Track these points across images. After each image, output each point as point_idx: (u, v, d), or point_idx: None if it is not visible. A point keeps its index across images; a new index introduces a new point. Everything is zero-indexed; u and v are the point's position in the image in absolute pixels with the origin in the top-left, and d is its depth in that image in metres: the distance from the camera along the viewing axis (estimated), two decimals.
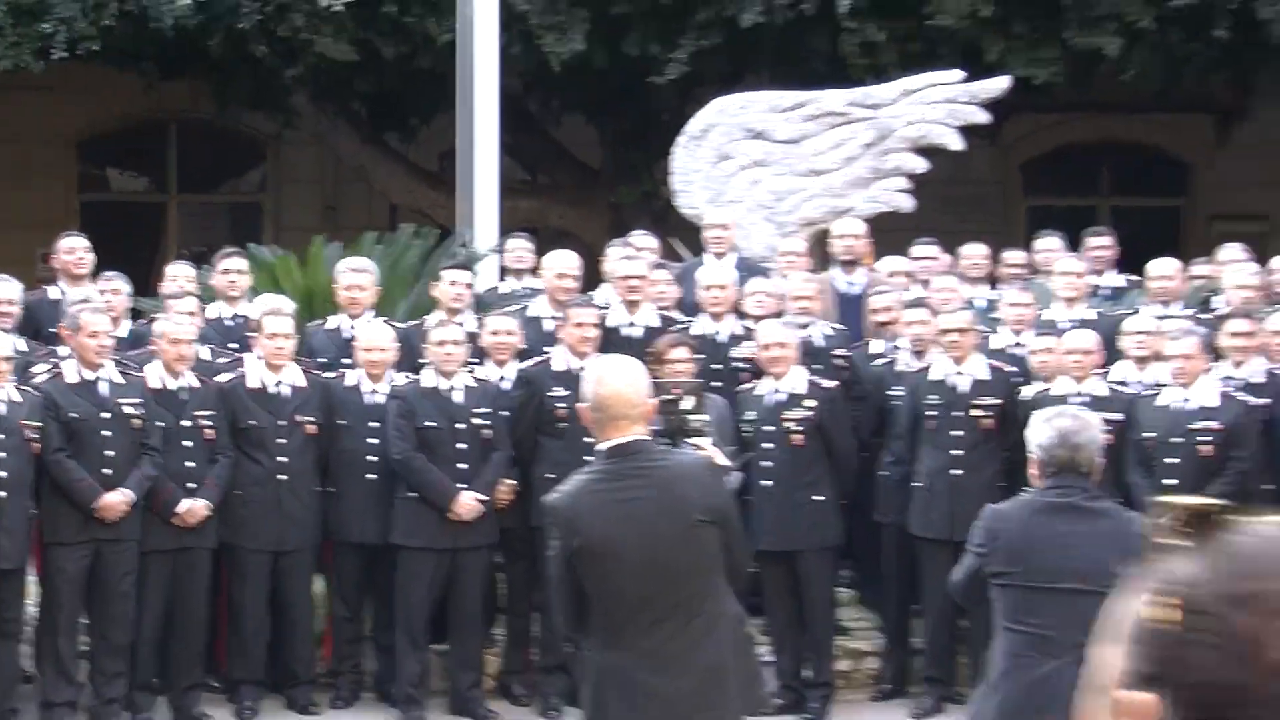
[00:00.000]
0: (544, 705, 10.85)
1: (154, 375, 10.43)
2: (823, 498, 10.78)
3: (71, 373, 10.18)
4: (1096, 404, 9.95)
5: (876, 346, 11.73)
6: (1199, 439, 10.27)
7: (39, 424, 9.97)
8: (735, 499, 7.48)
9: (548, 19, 16.04)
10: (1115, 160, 22.08)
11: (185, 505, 10.31)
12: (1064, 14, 15.95)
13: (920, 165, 13.66)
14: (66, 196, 21.41)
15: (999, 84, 13.82)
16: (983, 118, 13.69)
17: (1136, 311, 11.70)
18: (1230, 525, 1.83)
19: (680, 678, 6.04)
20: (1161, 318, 11.52)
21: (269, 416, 10.65)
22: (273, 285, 12.13)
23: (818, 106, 13.72)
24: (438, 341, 10.71)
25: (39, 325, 11.67)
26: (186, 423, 10.43)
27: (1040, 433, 6.58)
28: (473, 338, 11.10)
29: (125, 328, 11.61)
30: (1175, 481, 10.08)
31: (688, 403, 6.91)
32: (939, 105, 13.61)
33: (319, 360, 11.26)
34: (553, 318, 11.40)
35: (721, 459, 7.25)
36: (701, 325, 11.51)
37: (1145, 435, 10.39)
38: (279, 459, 10.66)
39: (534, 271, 12.48)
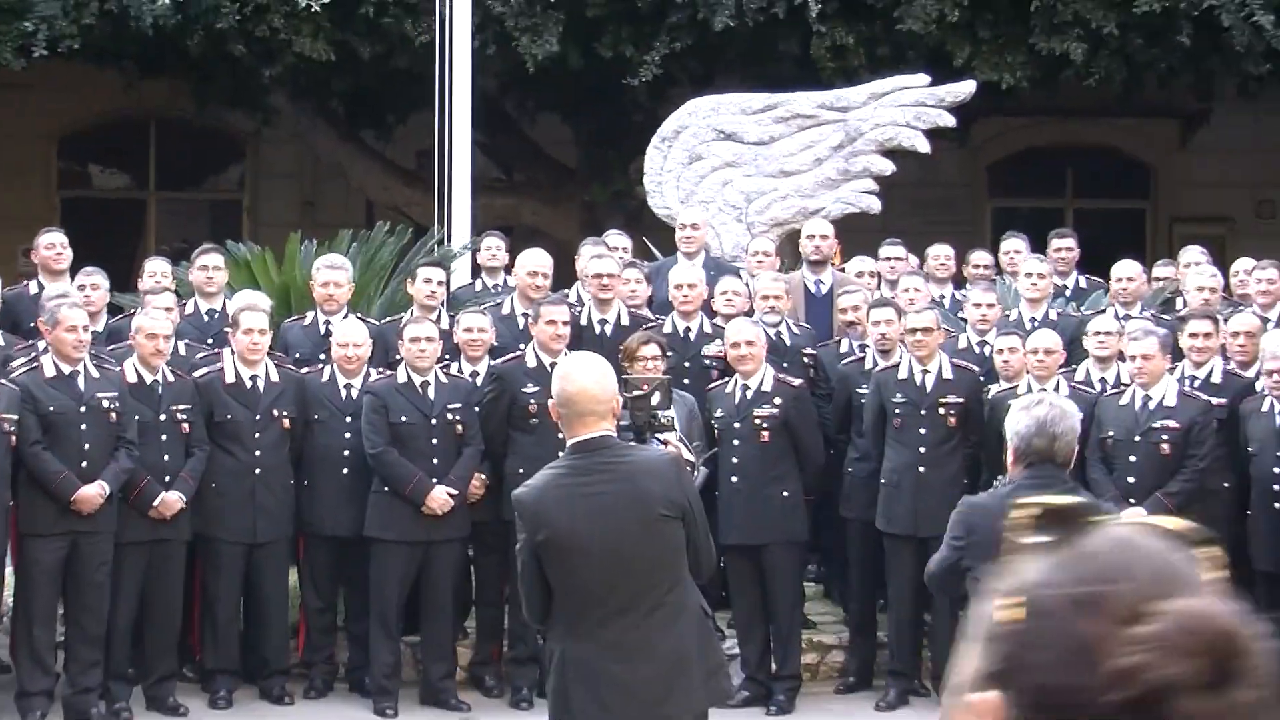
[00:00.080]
0: (514, 696, 10.85)
1: (131, 369, 10.41)
2: (789, 493, 10.80)
3: (49, 367, 10.15)
4: None
5: (844, 345, 11.75)
6: (1158, 438, 10.30)
7: (16, 417, 9.94)
8: (700, 494, 7.47)
9: (523, 21, 16.04)
10: (1080, 163, 22.13)
11: (161, 498, 10.29)
12: (1030, 19, 16.00)
13: (888, 167, 13.70)
14: (47, 193, 21.36)
15: (965, 88, 13.86)
16: (949, 121, 13.73)
17: (1102, 312, 11.75)
18: (1089, 526, 1.81)
19: (643, 668, 6.06)
20: (1124, 318, 11.57)
21: (244, 411, 10.64)
22: (250, 281, 12.13)
23: (787, 109, 13.74)
24: (411, 338, 10.71)
25: (18, 319, 11.65)
26: (163, 416, 10.42)
27: (1018, 421, 6.48)
28: (446, 334, 11.10)
29: (103, 323, 11.58)
30: (1135, 479, 10.11)
31: (656, 398, 6.92)
32: (907, 108, 13.64)
33: (295, 355, 11.26)
34: (525, 315, 11.40)
35: (687, 454, 7.27)
36: (672, 323, 11.52)
37: (1106, 434, 10.42)
38: (254, 452, 10.66)
39: (508, 269, 12.49)
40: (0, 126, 19.72)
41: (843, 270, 12.90)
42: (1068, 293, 12.89)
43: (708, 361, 11.40)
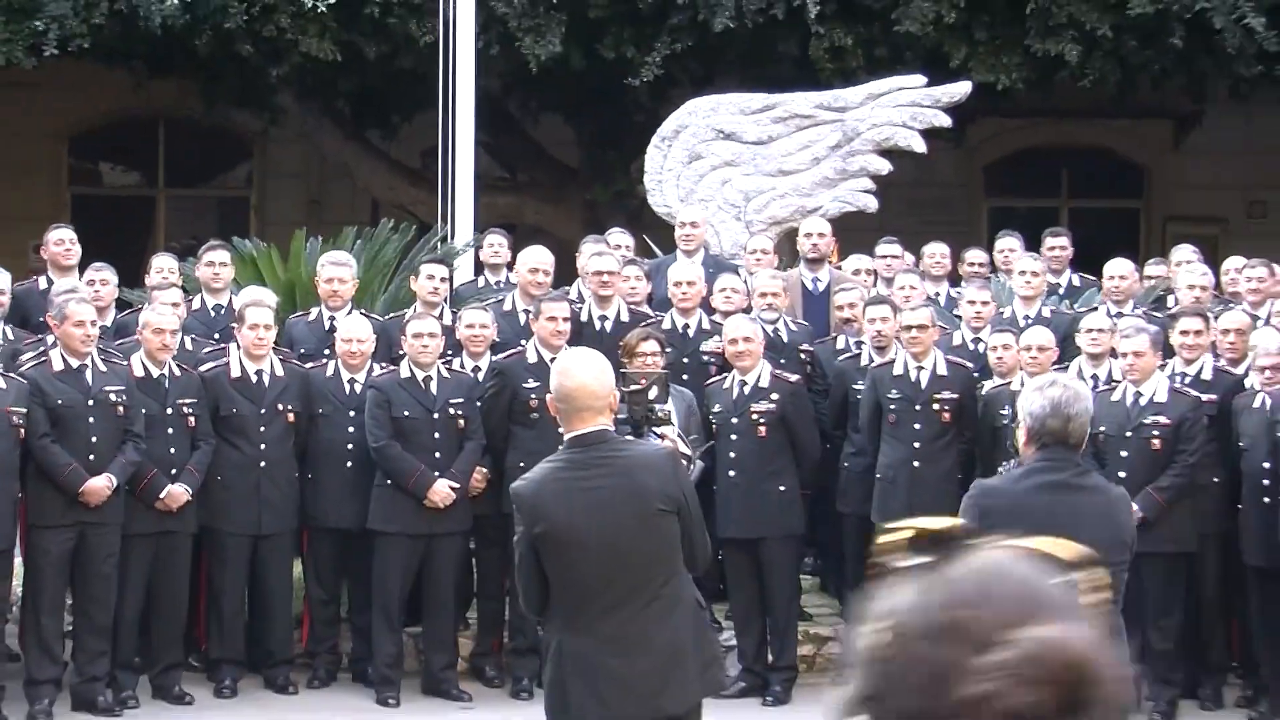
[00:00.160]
0: (515, 686, 10.85)
1: (138, 364, 10.41)
2: (786, 487, 10.81)
3: (57, 361, 10.16)
4: None
5: (840, 342, 11.75)
6: (1150, 434, 10.30)
7: (25, 410, 9.95)
8: (696, 488, 7.46)
9: (526, 22, 16.04)
10: (1075, 163, 22.09)
11: (167, 490, 10.30)
12: (1025, 21, 15.99)
13: (885, 167, 13.68)
14: (57, 190, 21.35)
15: (961, 88, 13.85)
16: (945, 121, 13.71)
17: (1095, 309, 11.75)
18: (963, 549, 1.78)
19: (640, 660, 6.06)
20: (1116, 316, 11.57)
21: (250, 405, 10.65)
22: (255, 278, 12.11)
23: (786, 109, 13.73)
24: (414, 334, 10.71)
25: (28, 314, 11.65)
26: (169, 410, 10.43)
27: (1032, 401, 6.32)
28: (449, 330, 11.10)
29: (112, 318, 11.59)
30: (1126, 475, 10.10)
31: (653, 393, 6.92)
32: (903, 109, 13.62)
33: (300, 351, 11.26)
34: (526, 311, 11.40)
35: (684, 448, 7.27)
36: (671, 320, 11.52)
37: (1098, 430, 10.40)
38: (259, 446, 10.67)
39: (510, 266, 12.49)
40: (11, 124, 19.72)
41: (840, 268, 12.90)
42: (1061, 290, 12.89)
43: (706, 357, 11.40)
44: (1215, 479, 10.59)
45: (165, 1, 15.04)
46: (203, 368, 10.72)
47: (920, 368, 10.87)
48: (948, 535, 1.84)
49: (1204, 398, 10.54)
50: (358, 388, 10.82)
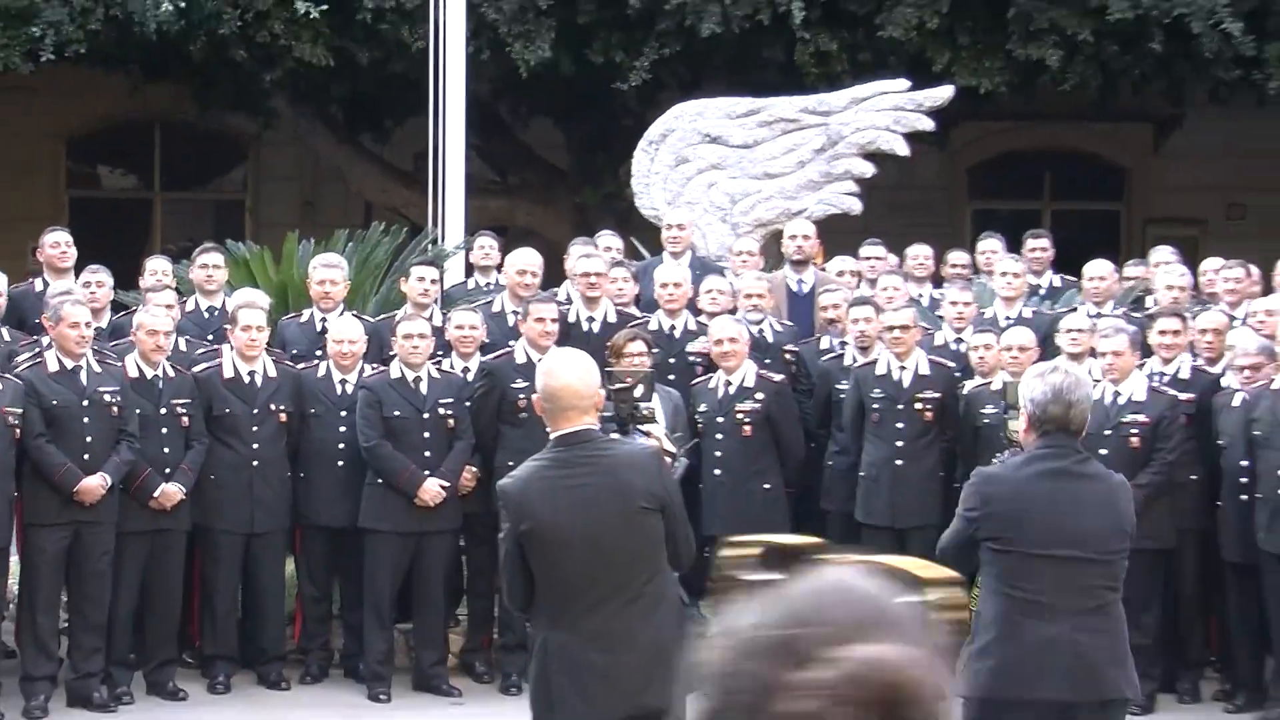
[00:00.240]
0: (504, 682, 10.84)
1: (132, 364, 10.40)
2: (770, 486, 10.82)
3: (53, 362, 10.14)
4: None
5: (825, 342, 11.74)
6: (1128, 432, 10.30)
7: (20, 410, 9.93)
8: (681, 486, 7.45)
9: (516, 27, 16.04)
10: (1057, 166, 22.10)
11: (161, 489, 10.28)
12: (1007, 27, 16.00)
13: (868, 170, 13.68)
14: (56, 193, 21.34)
15: (943, 93, 13.86)
16: (928, 125, 13.71)
17: (1075, 310, 11.75)
18: (810, 564, 1.75)
19: (623, 657, 6.05)
20: (1095, 316, 11.57)
21: (243, 405, 10.63)
22: (248, 280, 12.11)
23: (771, 113, 13.72)
24: (405, 335, 10.70)
25: (24, 316, 11.63)
26: (163, 410, 10.41)
27: (1033, 388, 6.26)
28: (439, 331, 11.10)
29: (107, 319, 11.58)
30: None
31: (639, 391, 6.92)
32: (886, 113, 13.63)
33: (292, 351, 11.25)
34: (514, 312, 11.39)
35: (669, 445, 7.26)
36: (658, 321, 11.52)
37: None
38: (252, 446, 10.65)
39: (499, 268, 12.48)
40: (10, 128, 19.70)
41: (824, 270, 12.90)
42: (1042, 291, 12.89)
43: (692, 358, 11.40)
44: (1193, 476, 10.59)
45: (160, 7, 15.04)
46: (196, 368, 10.70)
47: (903, 368, 10.86)
48: (797, 551, 1.82)
49: (1182, 396, 10.55)
50: (349, 388, 10.81)
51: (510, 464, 9.55)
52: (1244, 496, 10.30)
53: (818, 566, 1.75)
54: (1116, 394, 10.39)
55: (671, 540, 6.21)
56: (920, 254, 13.26)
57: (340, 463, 10.80)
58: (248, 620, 10.94)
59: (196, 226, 21.46)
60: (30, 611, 10.18)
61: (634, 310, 11.75)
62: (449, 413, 10.69)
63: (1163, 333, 10.83)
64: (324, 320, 11.36)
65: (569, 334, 11.02)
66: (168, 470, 10.37)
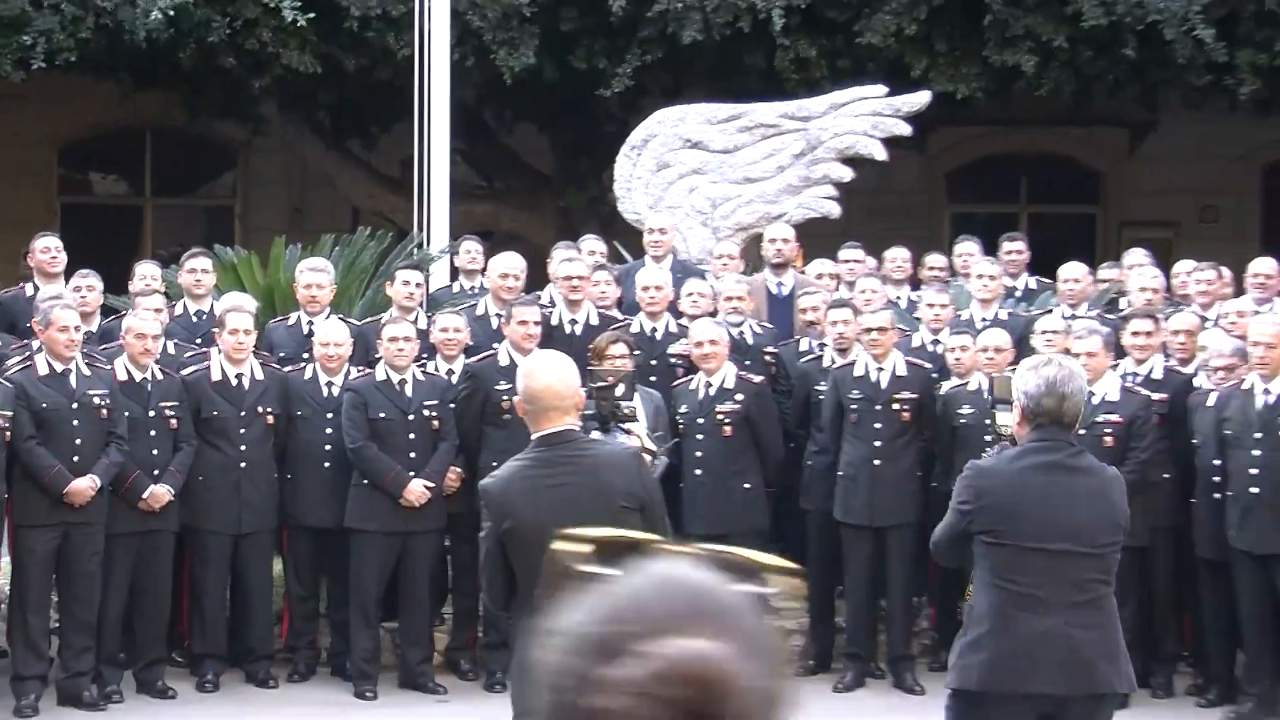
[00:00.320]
0: (489, 680, 10.81)
1: (121, 368, 10.38)
2: (750, 485, 10.81)
3: (43, 365, 10.12)
4: None
5: (804, 344, 11.74)
6: (1102, 431, 10.30)
7: (10, 413, 9.92)
8: (661, 485, 7.44)
9: (501, 34, 16.05)
10: (1034, 170, 22.13)
11: (150, 490, 10.27)
12: (984, 33, 16.02)
13: (847, 174, 13.69)
14: (48, 199, 21.30)
15: (920, 98, 13.87)
16: (905, 130, 13.73)
17: (1050, 312, 11.76)
18: (645, 556, 1.71)
19: None
20: (1070, 318, 11.58)
21: (230, 407, 10.62)
22: (236, 284, 12.09)
23: (751, 118, 13.74)
24: (390, 338, 10.70)
25: (15, 320, 11.62)
26: (152, 413, 10.39)
27: (1027, 381, 6.19)
28: (423, 334, 11.09)
29: (97, 323, 11.56)
30: None
31: (620, 390, 6.92)
32: (864, 118, 13.64)
33: (279, 355, 11.24)
34: (498, 315, 11.39)
35: (649, 444, 7.26)
36: (639, 323, 11.52)
37: None
38: (240, 447, 10.63)
39: (484, 272, 12.47)
40: (2, 134, 19.66)
41: (803, 272, 12.91)
42: (1018, 293, 12.90)
43: (673, 360, 11.39)
44: (1166, 475, 10.60)
45: (150, 16, 15.00)
46: (184, 371, 10.68)
47: (880, 369, 10.87)
48: (630, 545, 1.78)
49: (1154, 396, 10.57)
50: (335, 390, 10.80)
51: (494, 464, 9.52)
52: (1216, 495, 10.32)
53: (650, 559, 1.71)
54: (1090, 394, 10.39)
55: None
56: (898, 257, 13.28)
57: (326, 464, 10.79)
58: (236, 619, 10.92)
59: (187, 232, 21.45)
60: (21, 611, 10.16)
61: (616, 313, 11.75)
62: (433, 414, 10.68)
63: (1136, 334, 10.85)
64: (311, 324, 11.34)
65: (551, 336, 11.01)
66: (156, 472, 10.35)
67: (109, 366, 10.35)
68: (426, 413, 10.67)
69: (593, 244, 13.04)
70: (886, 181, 17.73)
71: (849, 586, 11.05)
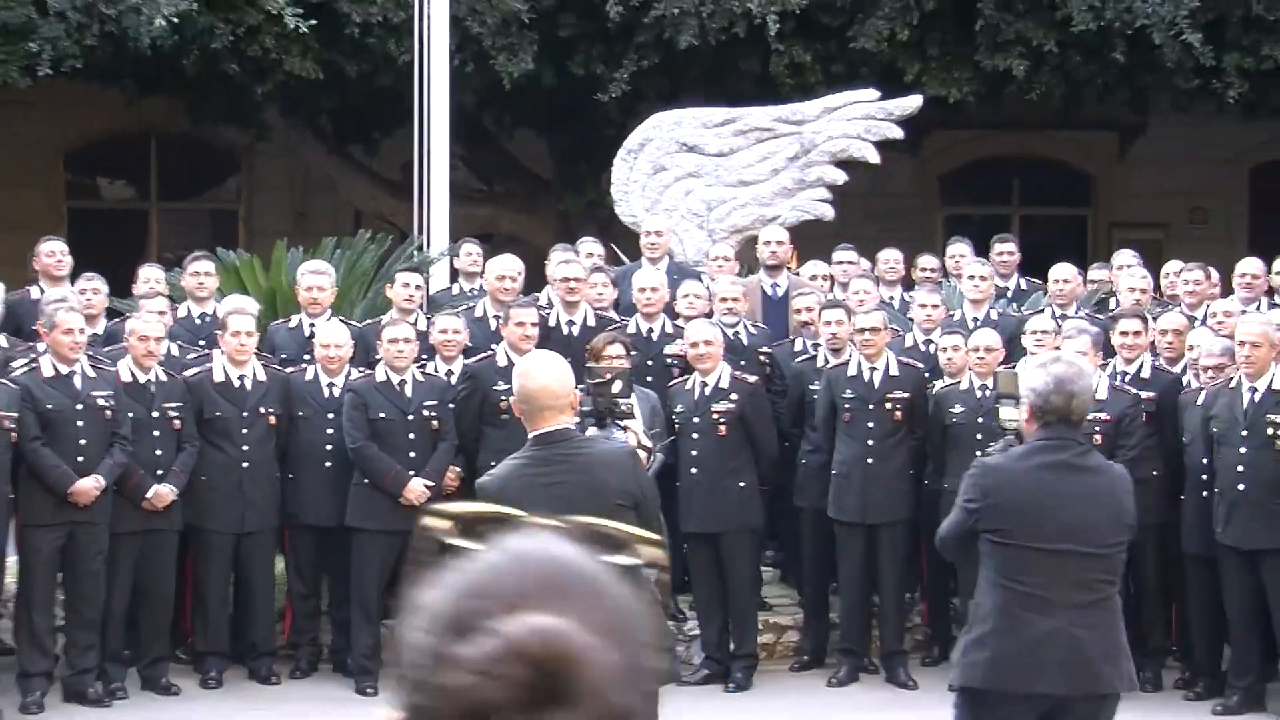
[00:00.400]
0: None
1: (125, 369, 10.38)
2: (745, 483, 10.79)
3: (47, 367, 10.12)
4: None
5: (798, 344, 11.74)
6: (1091, 429, 10.26)
7: (16, 415, 9.91)
8: (657, 482, 7.44)
9: (500, 41, 16.05)
10: (1026, 173, 22.13)
11: (153, 490, 10.26)
12: (975, 38, 16.03)
13: (840, 177, 13.68)
14: (55, 204, 21.27)
15: (911, 102, 13.86)
16: (897, 133, 13.72)
17: (1040, 312, 11.76)
18: (505, 532, 1.68)
19: None
20: (1060, 318, 11.58)
21: (233, 408, 10.61)
22: (238, 287, 12.09)
23: (746, 122, 13.72)
24: (390, 339, 10.69)
25: (20, 323, 11.61)
26: (155, 414, 10.39)
27: (1035, 378, 6.11)
28: (423, 336, 11.08)
29: (102, 325, 11.55)
30: None
31: (617, 386, 6.92)
32: (857, 122, 13.63)
33: (281, 356, 11.23)
34: (496, 317, 11.38)
35: (645, 440, 7.25)
36: (636, 324, 11.51)
37: None
38: (242, 448, 10.62)
39: (483, 274, 12.46)
40: (9, 140, 19.64)
41: (797, 274, 12.90)
42: (1009, 294, 12.90)
43: (669, 360, 11.38)
44: (1154, 472, 10.58)
45: (154, 23, 14.98)
46: (187, 373, 10.67)
47: (873, 368, 10.86)
48: (494, 520, 1.75)
49: (1143, 395, 10.56)
50: (336, 391, 10.79)
51: (492, 463, 9.51)
52: (1204, 492, 10.32)
53: (512, 534, 1.66)
54: None
55: None
56: (891, 258, 13.28)
57: (328, 463, 10.78)
58: (239, 617, 10.92)
59: (192, 236, 21.42)
60: (27, 610, 10.15)
61: (613, 314, 11.74)
62: (433, 414, 10.68)
63: (1124, 333, 10.85)
64: (312, 325, 11.33)
65: (549, 337, 11.00)
66: (160, 472, 10.34)
67: (113, 368, 10.35)
68: (426, 413, 10.66)
69: (590, 246, 13.05)
70: (880, 184, 17.71)
71: (842, 583, 11.04)
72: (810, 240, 14.14)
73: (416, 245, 13.30)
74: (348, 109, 18.37)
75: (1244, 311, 11.27)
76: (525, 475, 6.12)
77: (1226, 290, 12.33)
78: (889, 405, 10.83)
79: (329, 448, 10.78)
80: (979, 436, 10.46)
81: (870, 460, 10.77)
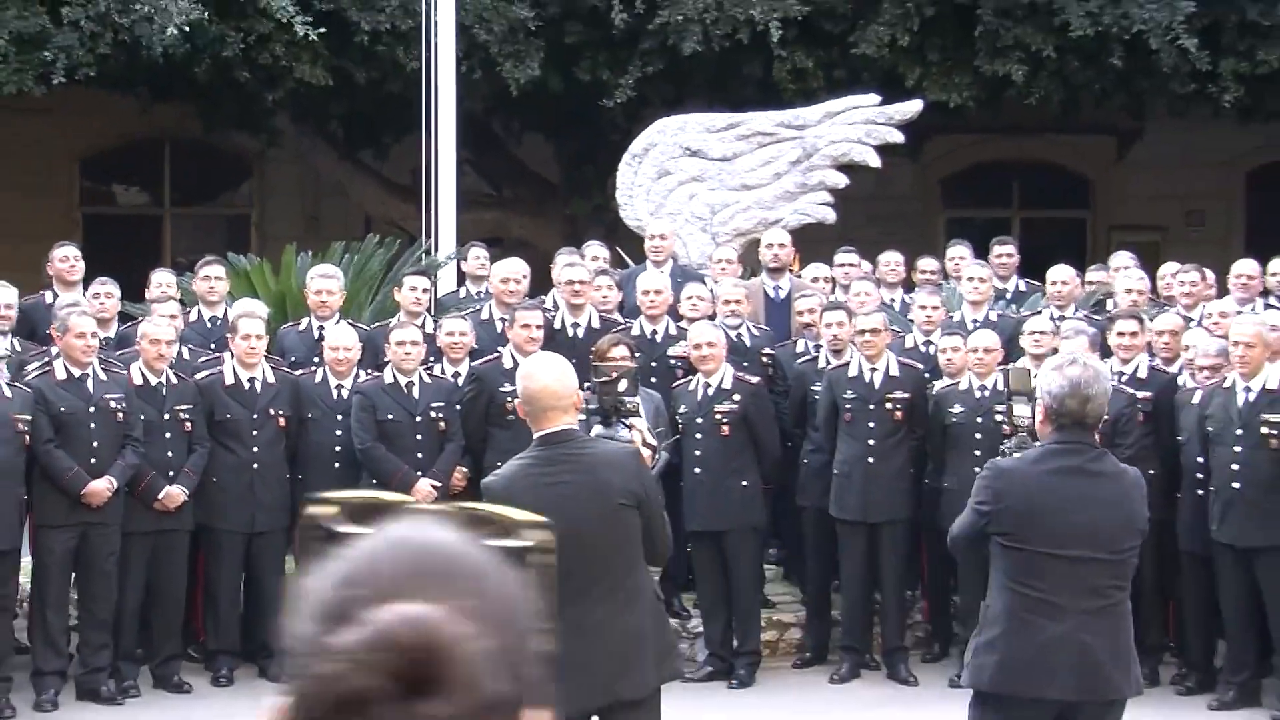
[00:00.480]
0: None
1: (137, 372, 10.37)
2: (748, 483, 10.77)
3: (60, 370, 10.11)
4: (996, 397, 10.07)
5: (800, 345, 11.72)
6: None
7: (29, 417, 9.90)
8: (661, 482, 7.41)
9: (507, 48, 16.04)
10: (1026, 177, 22.11)
11: (165, 491, 10.26)
12: (975, 44, 16.01)
13: (841, 181, 13.66)
14: (70, 210, 21.28)
15: (912, 107, 13.84)
16: (898, 137, 13.70)
17: (1038, 313, 11.74)
18: (389, 519, 1.65)
19: (600, 647, 6.01)
20: (1058, 319, 11.55)
21: (243, 410, 10.60)
22: (249, 290, 12.09)
23: (748, 127, 13.71)
24: (398, 341, 10.68)
25: (34, 327, 11.60)
26: (166, 416, 10.38)
27: (1051, 380, 5.99)
28: (430, 338, 11.07)
29: (114, 329, 11.55)
30: None
31: (622, 385, 6.90)
32: (859, 126, 13.61)
33: (290, 359, 11.22)
34: (501, 319, 11.37)
35: (650, 438, 7.23)
36: (640, 326, 11.49)
37: None
38: (252, 449, 10.61)
39: (490, 278, 12.44)
40: (25, 147, 19.65)
41: (799, 276, 12.88)
42: (1008, 295, 12.88)
43: (673, 361, 11.36)
44: (1151, 471, 10.48)
45: (166, 32, 14.97)
46: (198, 375, 10.67)
47: (874, 369, 10.84)
48: (378, 507, 1.71)
49: (1139, 395, 10.54)
50: (344, 393, 10.77)
51: (498, 464, 9.52)
52: (1200, 491, 10.29)
53: (395, 520, 1.63)
54: None
55: (648, 536, 6.18)
56: (892, 261, 13.26)
57: (337, 464, 10.76)
58: (249, 616, 10.89)
59: (205, 241, 21.38)
60: (40, 609, 10.15)
61: (617, 316, 11.72)
62: (440, 416, 10.66)
63: (1121, 334, 10.82)
64: (321, 328, 11.33)
65: (554, 339, 10.97)
66: (171, 473, 10.34)
67: (125, 371, 10.34)
68: (433, 414, 10.65)
69: (595, 249, 13.03)
70: (882, 188, 17.69)
71: (844, 581, 11.02)
72: (812, 243, 14.12)
73: (424, 249, 13.28)
74: (357, 115, 18.36)
75: (1239, 312, 11.24)
76: (530, 475, 6.11)
77: (1222, 291, 12.31)
78: (889, 405, 10.81)
79: (338, 449, 10.77)
80: (978, 436, 10.47)
81: (871, 460, 10.75)
